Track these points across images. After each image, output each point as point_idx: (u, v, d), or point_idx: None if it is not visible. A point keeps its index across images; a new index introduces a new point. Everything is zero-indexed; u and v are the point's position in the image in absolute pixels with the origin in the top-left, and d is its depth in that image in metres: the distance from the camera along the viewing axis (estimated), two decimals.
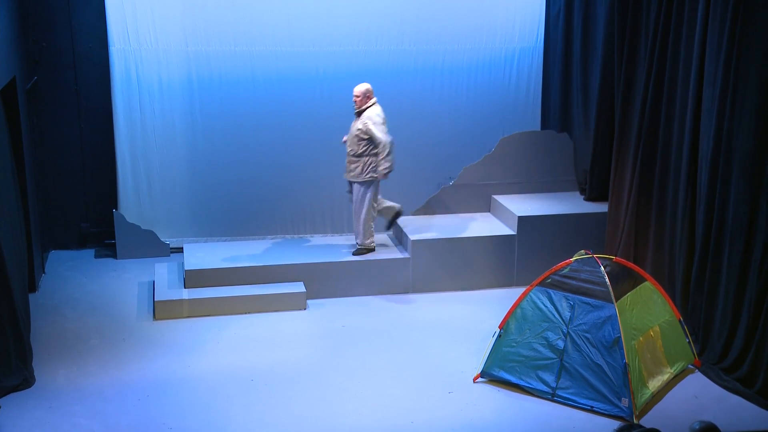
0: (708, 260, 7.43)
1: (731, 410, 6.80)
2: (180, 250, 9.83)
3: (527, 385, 7.03)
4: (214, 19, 9.82)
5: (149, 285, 9.24)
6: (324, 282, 9.11)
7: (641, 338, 6.93)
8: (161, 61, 9.82)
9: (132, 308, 8.75)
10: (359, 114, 8.92)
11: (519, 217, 9.42)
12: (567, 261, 7.22)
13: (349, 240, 9.98)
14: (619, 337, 6.68)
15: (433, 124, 10.50)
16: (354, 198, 9.16)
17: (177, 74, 9.89)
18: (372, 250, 9.31)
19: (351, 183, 9.15)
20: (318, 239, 10.21)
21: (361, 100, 8.88)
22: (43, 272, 9.65)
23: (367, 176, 8.97)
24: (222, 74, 9.95)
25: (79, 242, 10.44)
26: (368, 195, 9.06)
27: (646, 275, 7.39)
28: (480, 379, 7.27)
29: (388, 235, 10.07)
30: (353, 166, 9.00)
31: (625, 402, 6.58)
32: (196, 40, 9.83)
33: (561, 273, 7.13)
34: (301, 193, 10.24)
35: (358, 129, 8.88)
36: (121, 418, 6.63)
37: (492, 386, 7.18)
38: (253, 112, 10.05)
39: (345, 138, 9.12)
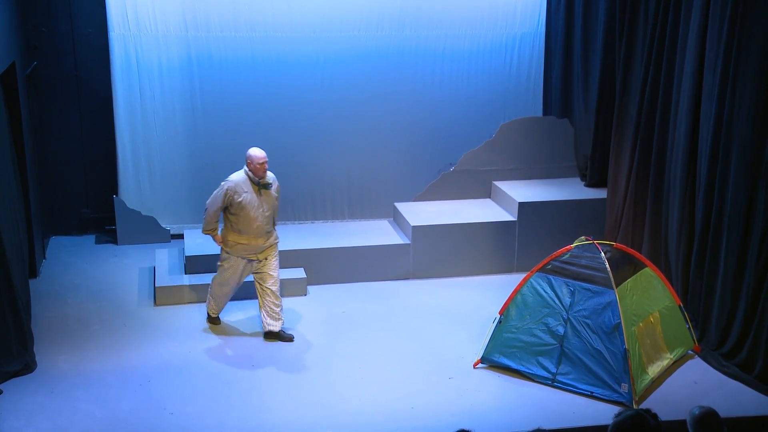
0: (707, 246, 7.44)
1: (730, 395, 6.83)
2: (180, 236, 9.83)
3: (527, 370, 7.05)
4: (214, 4, 9.77)
5: (150, 271, 9.25)
6: (324, 268, 9.11)
7: (641, 324, 6.94)
8: (161, 46, 9.79)
9: (133, 294, 8.76)
10: (265, 183, 7.49)
11: (519, 203, 9.41)
12: (567, 247, 7.22)
13: (349, 225, 10.00)
14: (620, 322, 6.70)
15: (434, 110, 10.47)
16: (275, 266, 7.72)
17: (177, 60, 9.85)
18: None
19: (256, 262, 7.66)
20: (318, 225, 10.21)
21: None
22: (44, 258, 9.65)
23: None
24: (222, 60, 9.92)
25: (80, 228, 10.44)
26: None
27: (647, 261, 7.39)
28: (480, 365, 7.29)
29: (389, 221, 10.07)
30: (269, 233, 7.63)
31: (624, 387, 6.60)
32: (196, 25, 9.78)
33: (561, 259, 7.13)
34: (301, 179, 10.23)
35: (276, 196, 7.64)
36: (122, 403, 6.65)
37: (492, 372, 7.20)
38: (254, 97, 10.03)
39: (214, 230, 7.62)
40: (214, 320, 8.06)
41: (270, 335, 7.74)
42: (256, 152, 7.42)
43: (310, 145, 10.22)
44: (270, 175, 7.57)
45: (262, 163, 7.39)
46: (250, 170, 7.43)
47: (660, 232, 8.19)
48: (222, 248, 7.71)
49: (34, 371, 7.09)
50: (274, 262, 7.68)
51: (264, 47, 9.94)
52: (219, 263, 7.79)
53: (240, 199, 7.39)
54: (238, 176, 7.48)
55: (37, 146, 9.85)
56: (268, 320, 7.70)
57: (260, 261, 7.64)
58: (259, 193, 7.44)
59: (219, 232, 7.71)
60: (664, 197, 8.11)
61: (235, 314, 8.33)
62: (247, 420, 6.45)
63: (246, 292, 8.63)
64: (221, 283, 7.81)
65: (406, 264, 9.30)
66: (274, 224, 7.68)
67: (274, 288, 7.66)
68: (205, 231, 7.67)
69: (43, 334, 7.74)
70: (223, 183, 7.51)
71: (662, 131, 8.10)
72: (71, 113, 10.14)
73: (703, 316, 7.52)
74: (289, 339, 7.73)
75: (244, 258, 7.61)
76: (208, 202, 7.58)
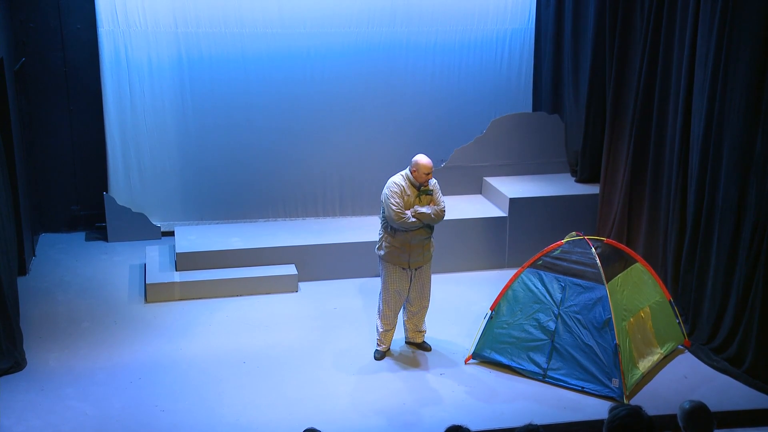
0: (698, 241, 7.47)
1: (720, 390, 6.86)
2: (171, 233, 9.80)
3: (518, 366, 7.06)
4: (204, 0, 9.71)
5: (140, 268, 9.22)
6: (315, 264, 9.10)
7: (632, 319, 6.96)
8: (151, 42, 9.73)
9: (123, 291, 8.73)
10: (426, 189, 7.26)
11: (510, 198, 9.42)
12: (558, 243, 7.24)
13: (341, 221, 9.99)
14: (610, 318, 6.71)
15: (425, 106, 10.47)
16: (428, 280, 7.50)
17: (167, 56, 9.81)
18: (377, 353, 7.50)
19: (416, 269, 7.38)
20: (310, 221, 10.20)
21: None
22: (34, 255, 9.61)
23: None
24: (212, 56, 9.86)
25: (70, 225, 10.40)
26: None
27: (637, 256, 7.42)
28: (471, 361, 7.30)
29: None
30: (425, 241, 7.35)
31: (615, 382, 6.62)
32: (186, 21, 9.74)
33: (552, 255, 7.14)
34: (292, 176, 10.20)
35: (433, 198, 7.33)
36: (113, 401, 6.63)
37: (483, 368, 7.21)
38: (244, 94, 9.99)
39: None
40: (382, 353, 7.47)
41: (412, 344, 7.60)
42: (423, 160, 7.17)
43: (300, 142, 10.20)
44: (431, 182, 7.28)
45: (428, 173, 7.16)
46: (412, 176, 7.19)
47: (654, 226, 8.21)
48: (380, 261, 7.34)
49: (24, 369, 7.06)
50: (427, 275, 7.41)
51: (254, 43, 9.91)
52: (381, 279, 7.34)
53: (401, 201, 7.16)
54: (400, 179, 7.22)
55: (26, 143, 9.80)
56: (415, 333, 7.56)
57: (414, 271, 7.30)
58: (418, 198, 7.20)
59: (379, 234, 7.33)
60: (659, 192, 8.13)
61: (225, 312, 8.31)
62: (237, 417, 6.44)
63: (226, 290, 8.60)
64: (388, 298, 7.32)
65: None
66: (431, 230, 7.34)
67: (424, 303, 7.46)
68: (408, 221, 7.11)
69: (33, 332, 7.71)
70: (389, 184, 7.19)
71: (657, 126, 8.11)
72: (60, 110, 10.09)
73: (694, 310, 7.55)
74: (428, 349, 7.56)
75: (397, 266, 7.23)
76: (390, 208, 7.08)
